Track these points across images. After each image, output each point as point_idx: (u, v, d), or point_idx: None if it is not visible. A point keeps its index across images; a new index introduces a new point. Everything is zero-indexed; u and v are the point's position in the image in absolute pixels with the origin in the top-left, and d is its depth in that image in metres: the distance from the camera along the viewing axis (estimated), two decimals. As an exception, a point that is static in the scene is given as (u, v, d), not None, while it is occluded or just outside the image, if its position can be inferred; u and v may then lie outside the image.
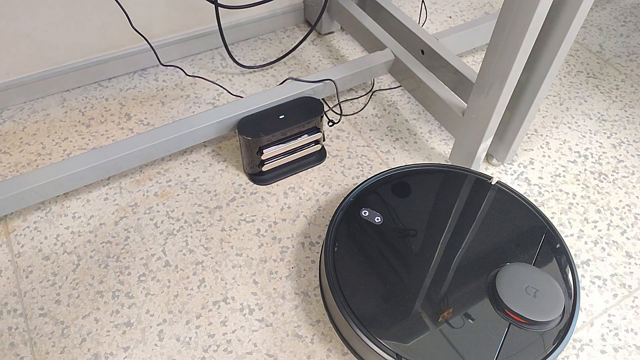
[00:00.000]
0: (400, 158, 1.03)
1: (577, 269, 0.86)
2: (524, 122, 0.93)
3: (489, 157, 1.03)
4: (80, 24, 1.06)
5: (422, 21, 1.36)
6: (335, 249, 0.77)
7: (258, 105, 0.94)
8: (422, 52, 1.04)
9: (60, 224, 0.91)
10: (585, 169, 1.03)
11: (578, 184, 1.00)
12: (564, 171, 1.02)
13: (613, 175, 1.02)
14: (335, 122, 1.09)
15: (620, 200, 0.98)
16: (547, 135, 1.09)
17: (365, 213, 0.82)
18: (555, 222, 0.94)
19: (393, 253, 0.77)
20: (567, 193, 0.99)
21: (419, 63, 1.03)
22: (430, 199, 0.84)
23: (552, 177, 1.01)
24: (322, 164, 1.02)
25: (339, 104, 1.08)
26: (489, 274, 0.75)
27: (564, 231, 0.93)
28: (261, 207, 0.94)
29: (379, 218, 0.81)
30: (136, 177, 0.98)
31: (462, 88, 0.98)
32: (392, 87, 1.18)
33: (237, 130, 0.93)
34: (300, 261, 0.87)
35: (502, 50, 0.78)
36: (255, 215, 0.93)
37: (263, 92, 0.96)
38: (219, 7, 1.04)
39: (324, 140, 1.03)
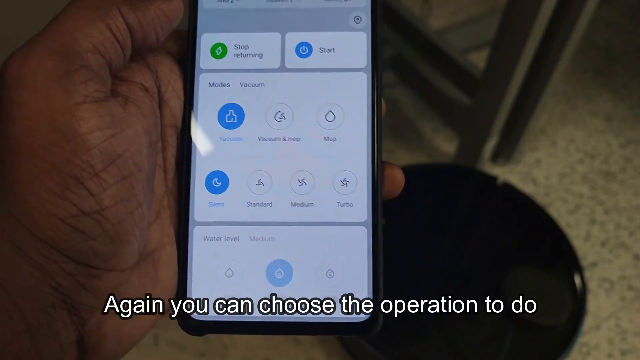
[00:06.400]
0: (403, 157, 1.01)
1: (584, 271, 0.85)
2: (530, 121, 0.91)
3: (494, 156, 1.02)
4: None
5: (425, 15, 1.34)
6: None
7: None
8: (426, 47, 1.03)
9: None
10: (593, 169, 1.01)
11: (585, 184, 0.99)
12: (570, 171, 1.01)
13: (621, 175, 1.00)
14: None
15: (628, 201, 0.96)
16: (553, 135, 1.07)
17: (366, 213, 0.81)
18: (562, 223, 0.93)
19: (395, 255, 0.76)
20: (574, 193, 0.97)
21: (422, 59, 1.01)
22: (434, 200, 0.83)
23: (558, 177, 1.00)
24: (322, 162, 1.00)
25: (340, 101, 1.06)
26: (493, 276, 0.73)
27: (570, 232, 0.91)
28: (260, 207, 0.93)
29: (380, 218, 0.80)
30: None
31: (467, 85, 0.96)
32: (394, 84, 1.17)
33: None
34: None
35: (508, 46, 0.76)
36: (254, 215, 0.91)
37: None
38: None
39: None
